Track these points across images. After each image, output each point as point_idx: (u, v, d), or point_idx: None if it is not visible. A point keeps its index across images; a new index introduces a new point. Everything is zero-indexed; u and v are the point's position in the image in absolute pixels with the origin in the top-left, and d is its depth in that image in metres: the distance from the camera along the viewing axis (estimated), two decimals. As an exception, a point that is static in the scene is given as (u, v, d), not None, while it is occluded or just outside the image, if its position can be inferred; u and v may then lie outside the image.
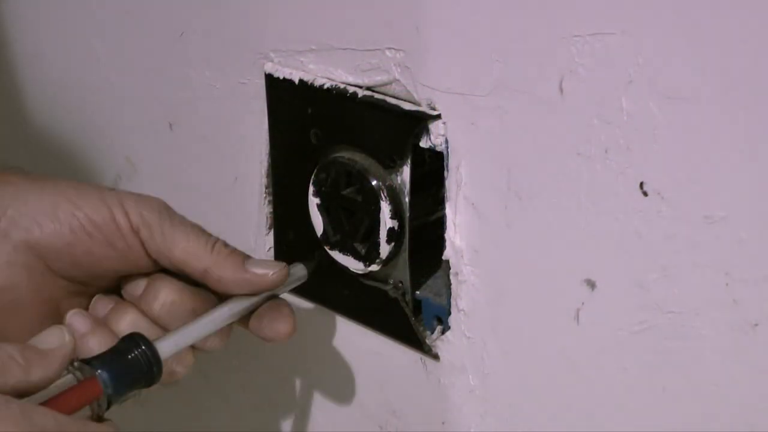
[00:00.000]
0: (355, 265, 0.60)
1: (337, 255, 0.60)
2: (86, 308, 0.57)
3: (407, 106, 0.56)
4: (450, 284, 0.57)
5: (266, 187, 0.66)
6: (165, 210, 0.57)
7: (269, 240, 0.67)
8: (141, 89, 0.73)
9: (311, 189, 0.61)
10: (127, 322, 0.56)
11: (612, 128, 0.48)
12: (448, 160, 0.55)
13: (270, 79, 0.62)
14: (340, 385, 0.67)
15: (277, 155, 0.64)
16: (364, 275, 0.60)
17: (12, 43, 0.83)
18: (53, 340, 0.50)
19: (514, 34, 0.50)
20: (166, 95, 0.71)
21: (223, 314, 0.56)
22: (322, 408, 0.70)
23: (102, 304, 0.57)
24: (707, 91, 0.45)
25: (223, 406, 0.77)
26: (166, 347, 0.53)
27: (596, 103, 0.48)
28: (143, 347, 0.52)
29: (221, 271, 0.56)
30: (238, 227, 0.69)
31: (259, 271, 0.57)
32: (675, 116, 0.46)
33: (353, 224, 0.59)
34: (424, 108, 0.55)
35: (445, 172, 0.55)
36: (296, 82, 0.60)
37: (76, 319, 0.55)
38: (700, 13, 0.44)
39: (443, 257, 0.57)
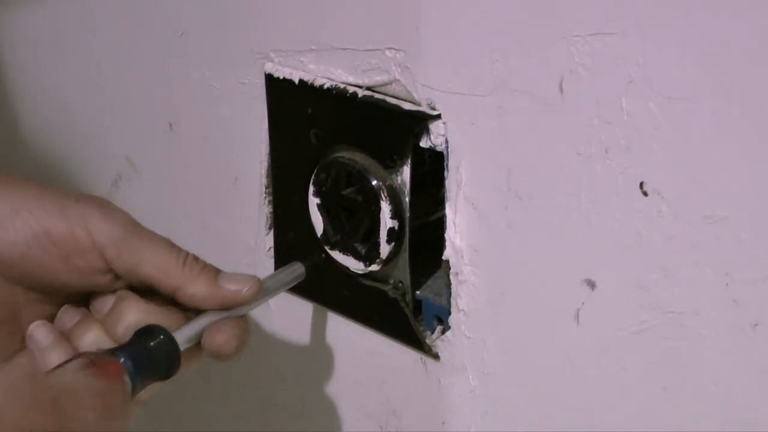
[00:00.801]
0: (355, 265, 0.60)
1: (337, 255, 0.60)
2: (51, 316, 0.56)
3: (407, 106, 0.56)
4: (450, 284, 0.57)
5: (266, 187, 0.66)
6: (131, 226, 0.55)
7: (269, 240, 0.67)
8: (141, 89, 0.73)
9: (311, 189, 0.61)
10: (91, 339, 0.54)
11: (612, 128, 0.48)
12: (448, 160, 0.55)
13: (270, 79, 0.62)
14: (340, 385, 0.67)
15: (277, 155, 0.64)
16: (364, 275, 0.60)
17: (12, 43, 0.83)
18: None
19: (514, 34, 0.50)
20: (166, 95, 0.71)
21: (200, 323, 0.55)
22: (322, 408, 0.70)
23: (68, 316, 0.55)
24: (707, 91, 0.45)
25: (223, 406, 0.77)
26: (182, 336, 0.52)
27: (596, 103, 0.48)
28: (162, 337, 0.51)
29: (194, 288, 0.54)
30: (238, 227, 0.69)
31: (233, 287, 0.55)
32: (675, 116, 0.46)
33: (353, 224, 0.59)
34: (424, 108, 0.55)
35: (445, 172, 0.55)
36: (296, 82, 0.60)
37: (38, 331, 0.54)
38: (700, 13, 0.44)
39: (443, 257, 0.57)
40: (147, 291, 0.55)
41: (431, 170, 0.57)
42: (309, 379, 0.70)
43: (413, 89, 0.55)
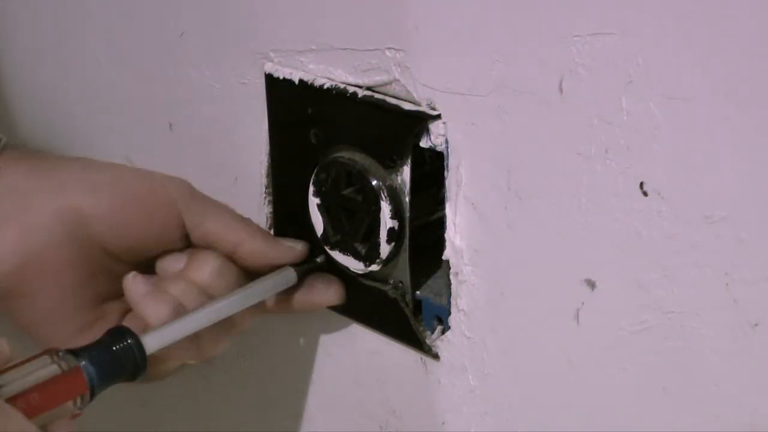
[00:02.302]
0: (355, 265, 0.60)
1: (337, 255, 0.60)
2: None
3: (407, 106, 0.56)
4: (450, 284, 0.57)
5: (266, 187, 0.66)
6: (193, 188, 0.60)
7: (269, 240, 0.67)
8: (141, 89, 0.73)
9: (311, 189, 0.61)
10: (180, 288, 0.57)
11: (612, 128, 0.48)
12: (448, 160, 0.55)
13: (270, 79, 0.62)
14: (340, 385, 0.67)
15: (277, 155, 0.64)
16: (364, 275, 0.60)
17: (11, 43, 0.83)
18: None
19: (514, 34, 0.50)
20: (166, 95, 0.71)
21: (218, 306, 0.57)
22: (322, 408, 0.70)
23: (136, 282, 0.58)
24: (707, 91, 0.45)
25: (223, 406, 0.77)
26: (151, 342, 0.53)
27: (596, 103, 0.48)
28: (129, 341, 0.52)
29: (254, 243, 0.59)
30: (238, 227, 0.69)
31: (288, 243, 0.60)
32: (675, 116, 0.46)
33: (353, 224, 0.59)
34: (424, 108, 0.55)
35: (445, 172, 0.55)
36: (296, 82, 0.60)
37: (137, 281, 0.56)
38: (700, 13, 0.44)
39: (443, 257, 0.57)
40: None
41: (431, 170, 0.57)
42: (309, 379, 0.70)
43: (413, 89, 0.55)
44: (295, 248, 0.60)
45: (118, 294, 0.58)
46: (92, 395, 0.51)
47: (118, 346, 0.52)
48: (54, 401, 0.49)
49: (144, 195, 0.58)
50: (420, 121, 0.55)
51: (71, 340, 0.53)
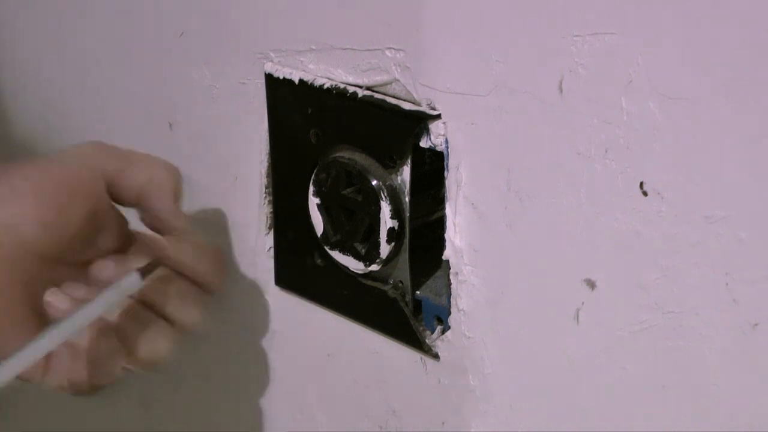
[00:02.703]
0: (355, 265, 0.60)
1: (337, 255, 0.60)
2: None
3: (407, 106, 0.56)
4: (450, 284, 0.57)
5: (266, 187, 0.66)
6: (107, 146, 0.60)
7: (269, 240, 0.67)
8: (141, 89, 0.73)
9: (311, 189, 0.61)
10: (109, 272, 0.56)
11: (612, 128, 0.48)
12: (448, 160, 0.55)
13: (270, 79, 0.62)
14: (340, 385, 0.67)
15: (277, 155, 0.64)
16: (364, 275, 0.60)
17: (11, 43, 0.83)
18: None
19: (514, 34, 0.50)
20: (166, 95, 0.71)
21: (58, 329, 0.55)
22: (322, 408, 0.70)
23: (71, 290, 0.57)
24: (707, 91, 0.45)
25: (223, 406, 0.77)
26: (5, 372, 0.52)
27: (596, 103, 0.48)
28: None
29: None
30: (238, 227, 0.69)
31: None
32: (675, 116, 0.46)
33: (353, 224, 0.59)
34: (424, 108, 0.55)
35: (445, 172, 0.55)
36: (296, 82, 0.60)
37: (56, 297, 0.56)
38: (700, 13, 0.44)
39: (443, 257, 0.57)
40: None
41: (431, 170, 0.57)
42: (309, 379, 0.70)
43: (413, 89, 0.55)
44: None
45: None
46: None
47: None
48: None
49: (67, 190, 0.57)
50: (420, 121, 0.55)
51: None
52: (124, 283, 0.58)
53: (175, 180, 0.60)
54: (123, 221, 0.61)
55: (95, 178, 0.57)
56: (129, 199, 0.60)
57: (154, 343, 0.58)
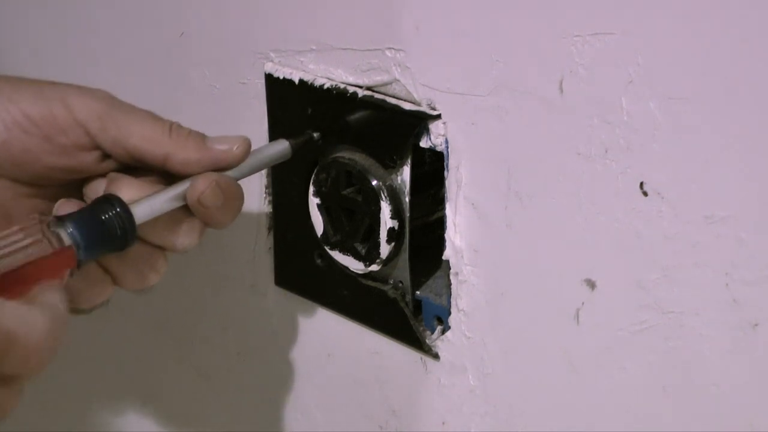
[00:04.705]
0: (355, 265, 0.60)
1: (337, 255, 0.60)
2: (45, 211, 0.53)
3: (407, 106, 0.56)
4: (450, 284, 0.57)
5: (266, 187, 0.66)
6: (112, 99, 0.54)
7: (269, 240, 0.67)
8: (141, 89, 0.73)
9: (311, 189, 0.61)
10: None
11: (612, 128, 0.48)
12: (448, 160, 0.55)
13: (270, 79, 0.62)
14: (340, 385, 0.67)
15: (277, 155, 0.64)
16: (364, 275, 0.60)
17: (11, 43, 0.83)
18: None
19: (514, 34, 0.50)
20: (166, 95, 0.71)
21: (206, 179, 0.53)
22: (322, 408, 0.70)
23: (64, 209, 0.53)
24: (707, 91, 0.45)
25: (223, 406, 0.77)
26: (141, 211, 0.50)
27: (596, 103, 0.48)
28: (118, 209, 0.49)
29: (184, 153, 0.53)
30: (238, 227, 0.69)
31: (222, 146, 0.54)
32: (675, 116, 0.46)
33: (353, 224, 0.59)
34: (424, 108, 0.55)
35: (445, 172, 0.55)
36: (296, 82, 0.60)
37: (64, 208, 0.52)
38: (700, 13, 0.44)
39: (443, 257, 0.57)
40: (138, 170, 0.54)
41: (431, 170, 0.57)
42: (309, 379, 0.70)
43: (413, 89, 0.55)
44: (232, 150, 0.54)
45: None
46: (79, 266, 0.49)
47: (107, 215, 0.49)
48: (42, 279, 0.46)
49: (38, 118, 0.52)
50: (420, 121, 0.55)
51: None
52: (274, 149, 0.56)
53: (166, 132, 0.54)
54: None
55: (79, 137, 0.53)
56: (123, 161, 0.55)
57: (215, 190, 0.53)
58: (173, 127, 0.54)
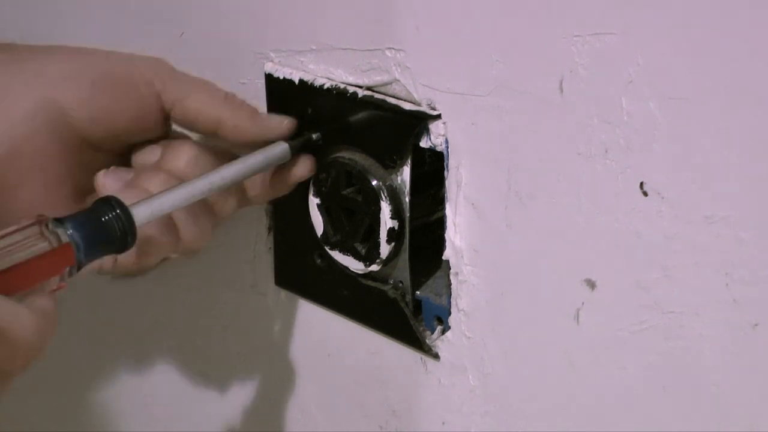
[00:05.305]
0: (355, 265, 0.60)
1: (337, 255, 0.60)
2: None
3: (407, 106, 0.56)
4: (450, 284, 0.57)
5: (266, 187, 0.65)
6: (171, 66, 0.59)
7: (269, 240, 0.67)
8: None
9: (311, 189, 0.61)
10: (159, 181, 0.55)
11: (612, 128, 0.48)
12: (448, 160, 0.55)
13: (270, 79, 0.62)
14: (340, 385, 0.67)
15: (277, 155, 0.64)
16: (364, 275, 0.60)
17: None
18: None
19: (514, 34, 0.50)
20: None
21: (203, 182, 0.55)
22: (322, 408, 0.70)
23: (120, 173, 0.57)
24: (707, 91, 0.45)
25: (223, 406, 0.77)
26: (142, 213, 0.51)
27: (596, 103, 0.48)
28: (118, 211, 0.50)
29: (237, 118, 0.57)
30: (239, 227, 0.69)
31: (275, 118, 0.59)
32: (675, 116, 0.46)
33: (353, 224, 0.59)
34: (424, 108, 0.55)
35: (445, 172, 0.55)
36: (296, 82, 0.60)
37: (109, 178, 0.56)
38: (700, 13, 0.44)
39: (443, 257, 0.57)
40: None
41: (431, 170, 0.57)
42: (309, 379, 0.70)
43: (413, 89, 0.55)
44: (282, 123, 0.58)
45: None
46: (79, 267, 0.49)
47: (106, 216, 0.50)
48: (39, 278, 0.47)
49: (121, 78, 0.57)
50: (420, 121, 0.55)
51: None
52: (273, 151, 0.57)
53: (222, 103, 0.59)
54: (168, 128, 0.60)
55: (149, 95, 0.57)
56: (183, 125, 0.60)
57: (199, 231, 0.57)
58: (228, 94, 0.58)
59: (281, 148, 0.58)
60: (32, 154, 0.55)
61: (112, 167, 0.57)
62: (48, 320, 0.46)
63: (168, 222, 0.56)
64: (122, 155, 0.59)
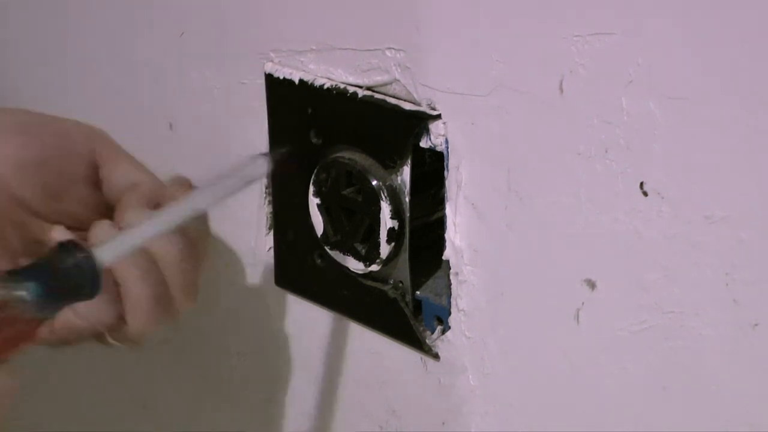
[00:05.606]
0: (355, 265, 0.60)
1: (337, 255, 0.60)
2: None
3: (407, 106, 0.56)
4: (450, 284, 0.57)
5: (266, 187, 0.66)
6: (108, 141, 0.58)
7: (269, 240, 0.67)
8: (141, 89, 0.73)
9: (311, 189, 0.61)
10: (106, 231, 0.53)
11: (612, 128, 0.48)
12: (448, 160, 0.55)
13: (270, 79, 0.62)
14: (340, 385, 0.67)
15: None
16: (364, 275, 0.60)
17: (11, 43, 0.83)
18: None
19: (514, 34, 0.50)
20: (166, 95, 0.71)
21: (174, 212, 0.52)
22: (322, 408, 0.70)
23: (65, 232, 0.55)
24: (707, 91, 0.45)
25: (223, 406, 0.77)
26: (106, 254, 0.48)
27: (596, 103, 0.48)
28: (80, 255, 0.46)
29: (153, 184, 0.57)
30: (239, 227, 0.69)
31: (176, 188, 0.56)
32: (675, 116, 0.46)
33: (353, 224, 0.59)
34: (424, 108, 0.55)
35: (445, 172, 0.55)
36: (296, 82, 0.60)
37: (58, 233, 0.53)
38: (701, 13, 0.44)
39: (443, 257, 0.57)
40: None
41: (431, 170, 0.57)
42: (309, 379, 0.70)
43: (413, 89, 0.55)
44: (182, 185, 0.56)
45: (31, 251, 0.54)
46: (42, 320, 0.47)
47: (67, 263, 0.46)
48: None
49: (56, 141, 0.55)
50: (420, 121, 0.55)
51: None
52: (249, 168, 0.54)
53: (158, 195, 0.56)
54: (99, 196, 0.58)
55: (84, 163, 0.56)
56: (107, 194, 0.58)
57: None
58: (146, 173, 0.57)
59: (259, 161, 0.55)
60: None
61: (58, 226, 0.54)
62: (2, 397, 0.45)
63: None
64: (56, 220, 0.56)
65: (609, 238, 0.50)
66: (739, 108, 0.44)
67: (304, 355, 0.69)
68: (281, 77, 0.61)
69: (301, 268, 0.65)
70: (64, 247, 0.47)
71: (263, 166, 0.55)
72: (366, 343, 0.64)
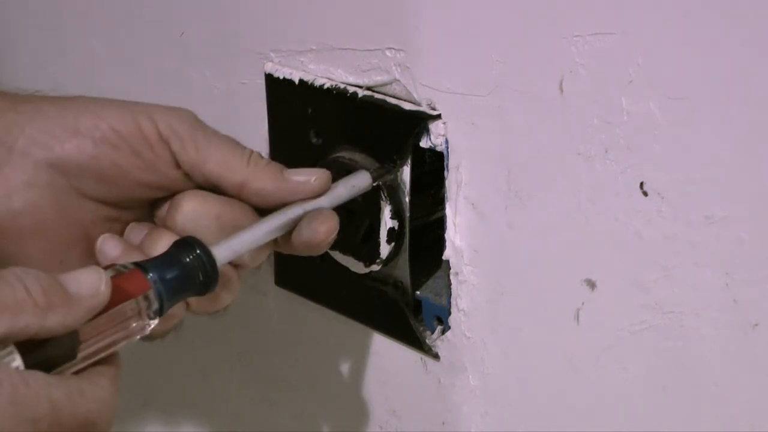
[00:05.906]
0: (355, 265, 0.60)
1: (337, 255, 0.60)
2: (120, 233, 0.54)
3: (407, 106, 0.56)
4: (450, 284, 0.57)
5: (266, 187, 0.65)
6: (196, 121, 0.54)
7: (269, 240, 0.67)
8: (141, 89, 0.73)
9: (311, 189, 0.60)
10: (163, 246, 0.51)
11: (612, 128, 0.48)
12: (448, 160, 0.55)
13: (270, 79, 0.62)
14: (340, 385, 0.67)
15: (277, 155, 0.64)
16: (364, 275, 0.60)
17: (11, 43, 0.83)
18: (86, 284, 0.45)
19: (514, 34, 0.50)
20: (166, 95, 0.71)
21: (278, 220, 0.53)
22: (322, 408, 0.70)
23: (136, 231, 0.54)
24: (707, 91, 0.45)
25: (223, 407, 0.77)
26: (222, 252, 0.50)
27: (596, 103, 0.48)
28: (198, 252, 0.48)
29: (260, 183, 0.53)
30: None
31: (300, 178, 0.53)
32: (675, 116, 0.46)
33: (353, 224, 0.59)
34: (424, 108, 0.55)
35: (445, 172, 0.55)
36: (296, 82, 0.60)
37: (107, 243, 0.52)
38: (700, 13, 0.44)
39: (443, 257, 0.57)
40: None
41: (431, 170, 0.57)
42: (309, 379, 0.70)
43: (413, 89, 0.55)
44: (309, 182, 0.53)
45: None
46: (161, 312, 0.48)
47: (187, 258, 0.48)
48: (114, 302, 0.45)
49: (126, 133, 0.53)
50: (420, 121, 0.55)
51: None
52: (354, 180, 0.55)
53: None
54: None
55: (163, 155, 0.53)
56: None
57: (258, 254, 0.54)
58: (252, 156, 0.54)
59: (363, 177, 0.56)
60: (33, 224, 0.53)
61: (107, 234, 0.53)
62: (116, 396, 0.48)
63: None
64: (144, 209, 0.56)
65: (609, 238, 0.50)
66: (739, 108, 0.44)
67: (304, 355, 0.69)
68: (281, 77, 0.61)
69: (301, 267, 0.65)
70: (184, 243, 0.49)
71: (366, 179, 0.56)
72: (366, 343, 0.64)
